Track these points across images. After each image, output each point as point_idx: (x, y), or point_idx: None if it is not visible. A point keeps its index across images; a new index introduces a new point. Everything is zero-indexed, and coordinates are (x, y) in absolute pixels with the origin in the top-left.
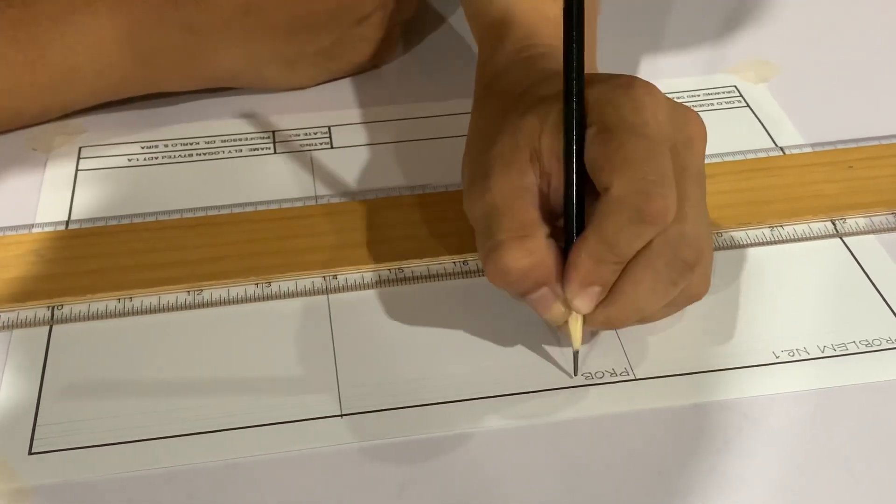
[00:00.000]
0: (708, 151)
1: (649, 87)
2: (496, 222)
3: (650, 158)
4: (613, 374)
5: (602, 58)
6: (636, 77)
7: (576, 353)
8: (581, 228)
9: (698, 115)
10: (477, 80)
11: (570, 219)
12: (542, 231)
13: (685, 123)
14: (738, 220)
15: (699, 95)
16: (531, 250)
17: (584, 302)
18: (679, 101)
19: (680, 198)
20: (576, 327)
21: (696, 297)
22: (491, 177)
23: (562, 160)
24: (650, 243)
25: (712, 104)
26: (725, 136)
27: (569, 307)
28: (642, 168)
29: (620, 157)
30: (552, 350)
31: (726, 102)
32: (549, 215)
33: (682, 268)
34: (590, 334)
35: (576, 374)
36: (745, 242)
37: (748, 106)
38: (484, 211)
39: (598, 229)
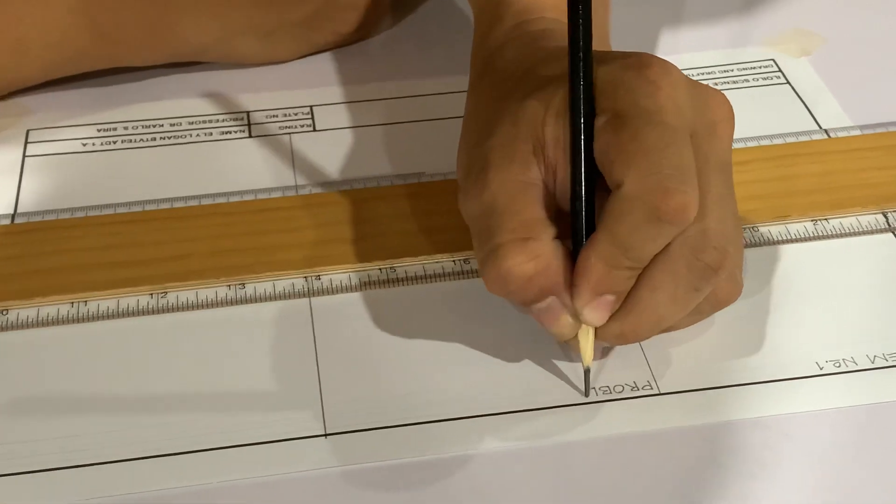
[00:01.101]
0: (742, 134)
1: (666, 67)
2: (495, 222)
3: (667, 149)
4: (635, 387)
5: (616, 32)
6: (652, 55)
7: (587, 371)
8: (592, 229)
9: (723, 95)
10: (473, 58)
11: (578, 219)
12: (547, 232)
13: (708, 106)
14: (775, 213)
15: (732, 71)
16: (535, 254)
17: (595, 313)
18: (709, 78)
19: (702, 192)
20: (586, 342)
21: (723, 304)
22: (489, 171)
23: (568, 152)
24: (669, 245)
25: (747, 80)
26: (762, 117)
27: (578, 319)
28: (659, 160)
29: (634, 148)
30: (564, 363)
31: (763, 78)
32: (555, 214)
33: (704, 271)
34: (601, 350)
35: (587, 394)
36: (783, 238)
37: (788, 82)
38: (481, 210)
39: (611, 230)
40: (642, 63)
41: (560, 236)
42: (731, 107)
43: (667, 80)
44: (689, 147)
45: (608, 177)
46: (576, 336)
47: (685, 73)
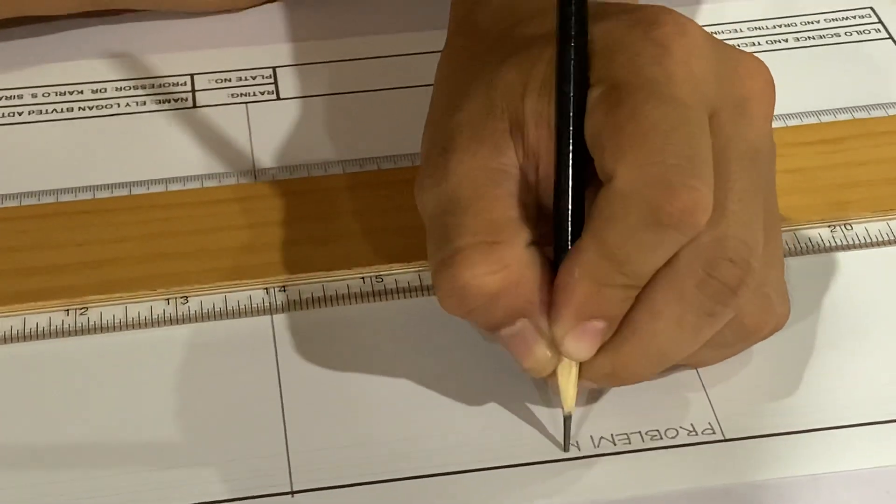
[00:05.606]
0: (831, 104)
1: (683, 25)
2: (454, 221)
3: (674, 132)
4: (692, 431)
5: None
6: (667, 9)
7: (567, 419)
8: (579, 234)
9: (760, 62)
10: (451, 13)
11: (562, 219)
12: (520, 236)
13: (737, 77)
14: (876, 205)
15: (818, 22)
16: (503, 263)
17: (579, 343)
18: (788, 32)
19: (720, 188)
20: (567, 381)
21: (754, 333)
22: (451, 155)
23: (553, 133)
24: (675, 257)
25: (837, 34)
26: (856, 83)
27: (558, 350)
28: (662, 146)
29: (631, 130)
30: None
31: (857, 32)
32: (535, 213)
33: (719, 292)
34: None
35: (566, 448)
36: (884, 239)
37: (891, 37)
38: (438, 204)
39: (600, 236)
40: (651, 19)
41: (539, 242)
42: (769, 77)
43: (680, 43)
44: (704, 130)
45: (599, 166)
46: (554, 373)
47: (760, 23)
